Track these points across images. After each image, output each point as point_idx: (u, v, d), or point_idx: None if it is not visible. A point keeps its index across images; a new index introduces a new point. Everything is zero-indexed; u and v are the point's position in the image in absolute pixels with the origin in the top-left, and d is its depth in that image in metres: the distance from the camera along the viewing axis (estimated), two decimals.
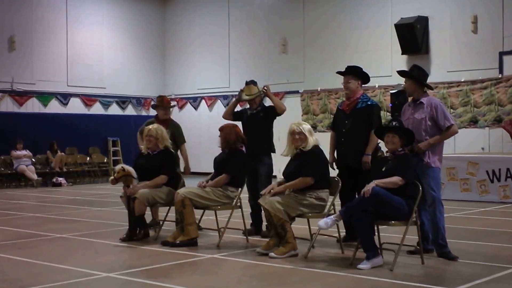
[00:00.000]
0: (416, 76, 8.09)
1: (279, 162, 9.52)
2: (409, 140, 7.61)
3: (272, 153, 9.90)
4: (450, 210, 11.23)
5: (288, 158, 8.45)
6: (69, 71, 23.82)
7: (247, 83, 9.96)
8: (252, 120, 9.85)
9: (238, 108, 10.19)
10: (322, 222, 7.29)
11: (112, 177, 9.48)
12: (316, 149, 8.17)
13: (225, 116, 10.17)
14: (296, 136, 8.14)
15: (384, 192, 7.14)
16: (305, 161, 8.04)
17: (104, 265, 7.61)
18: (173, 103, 10.54)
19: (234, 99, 10.11)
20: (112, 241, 9.22)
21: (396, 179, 7.30)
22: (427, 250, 7.90)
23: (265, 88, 9.74)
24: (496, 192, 14.21)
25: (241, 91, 9.95)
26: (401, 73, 8.28)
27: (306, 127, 8.19)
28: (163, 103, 10.68)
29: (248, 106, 10.16)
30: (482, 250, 8.55)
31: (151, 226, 9.77)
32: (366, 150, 8.66)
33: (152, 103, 22.26)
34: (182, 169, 10.66)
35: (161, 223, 9.79)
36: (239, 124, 9.72)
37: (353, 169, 8.67)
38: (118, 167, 9.46)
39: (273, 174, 9.79)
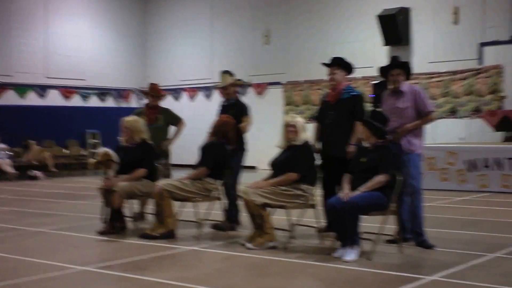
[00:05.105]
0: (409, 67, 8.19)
1: (261, 153, 9.49)
2: (381, 133, 7.59)
3: (244, 146, 9.81)
4: (429, 200, 11.27)
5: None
6: (48, 63, 23.66)
7: (221, 73, 9.95)
8: (222, 112, 9.81)
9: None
10: (349, 257, 7.15)
11: (93, 160, 9.50)
12: (306, 145, 8.19)
13: None
14: (289, 128, 8.14)
15: (361, 200, 7.16)
16: (293, 156, 8.03)
17: (81, 258, 7.56)
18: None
19: None
20: (89, 234, 9.14)
21: (380, 179, 7.32)
22: (405, 239, 7.93)
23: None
24: (474, 181, 14.34)
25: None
26: (401, 64, 8.22)
27: (300, 121, 8.21)
28: (151, 91, 10.91)
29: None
30: (460, 238, 8.64)
31: (135, 218, 9.73)
32: (350, 140, 8.65)
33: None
34: None
35: (140, 216, 9.79)
36: None
37: (338, 159, 8.64)
38: (102, 150, 9.45)
39: (254, 165, 9.76)
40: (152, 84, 11.14)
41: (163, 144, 10.64)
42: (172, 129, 11.00)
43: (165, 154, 10.63)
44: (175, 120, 11.00)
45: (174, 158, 11.12)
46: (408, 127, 7.93)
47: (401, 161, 7.74)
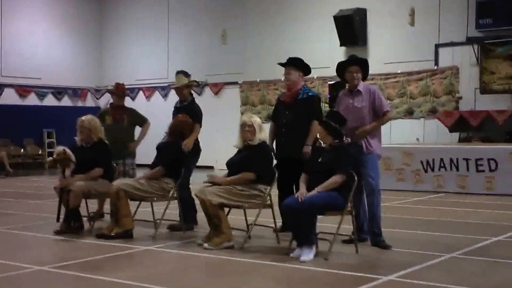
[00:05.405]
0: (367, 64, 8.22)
1: (218, 153, 9.46)
2: (337, 134, 7.59)
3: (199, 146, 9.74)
4: (385, 200, 11.31)
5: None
6: (3, 62, 23.39)
7: (176, 73, 9.89)
8: (178, 113, 9.71)
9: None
10: (305, 258, 7.14)
11: (51, 158, 9.41)
12: (263, 145, 8.18)
13: None
14: (246, 128, 8.12)
15: (317, 200, 7.16)
16: (250, 156, 8.03)
17: (36, 258, 7.46)
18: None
19: None
20: (46, 234, 9.04)
21: (336, 179, 7.32)
22: (362, 239, 7.99)
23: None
24: (430, 181, 14.49)
25: None
26: (361, 61, 8.25)
27: (257, 121, 8.18)
28: (117, 90, 10.88)
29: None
30: (416, 239, 8.70)
31: (94, 218, 9.64)
32: (306, 140, 8.68)
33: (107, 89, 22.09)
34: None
35: (99, 216, 9.72)
36: None
37: (293, 159, 8.67)
38: (59, 149, 9.34)
39: (211, 165, 9.73)
40: (118, 84, 11.08)
41: (131, 146, 10.61)
42: (137, 129, 10.98)
43: (131, 154, 10.61)
44: (141, 121, 10.96)
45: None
46: (367, 129, 7.96)
47: (358, 162, 7.78)
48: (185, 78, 9.77)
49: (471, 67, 18.14)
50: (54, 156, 9.24)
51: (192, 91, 10.05)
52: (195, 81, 10.16)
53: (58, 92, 25.03)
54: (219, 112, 22.21)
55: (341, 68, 8.20)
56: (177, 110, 9.72)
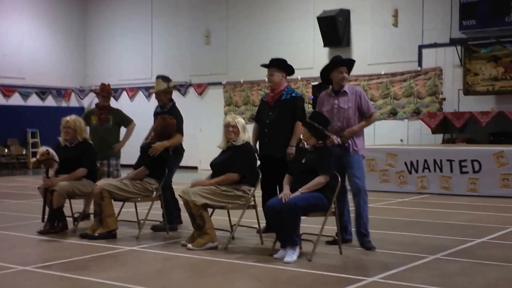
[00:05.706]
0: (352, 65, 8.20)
1: (201, 153, 9.45)
2: (321, 135, 7.58)
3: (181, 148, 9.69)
4: (369, 201, 11.31)
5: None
6: None
7: (156, 77, 9.82)
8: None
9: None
10: (289, 258, 7.14)
11: (34, 159, 9.38)
12: (247, 145, 8.19)
13: None
14: (230, 128, 8.12)
15: (300, 201, 7.17)
16: (234, 156, 8.03)
17: (20, 258, 7.45)
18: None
19: None
20: (30, 234, 9.02)
21: (319, 180, 7.34)
22: (346, 240, 8.00)
23: None
24: (414, 183, 14.54)
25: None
26: (349, 62, 8.24)
27: (241, 121, 8.20)
28: (102, 91, 10.84)
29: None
30: (400, 240, 8.71)
31: (78, 218, 9.61)
32: (290, 141, 8.69)
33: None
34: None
35: (84, 216, 9.72)
36: None
37: (276, 160, 8.68)
38: (42, 149, 9.30)
39: (195, 166, 9.71)
40: (103, 84, 11.05)
41: (116, 146, 10.58)
42: (122, 130, 10.97)
43: (115, 155, 10.60)
44: (126, 121, 10.96)
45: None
46: (355, 129, 7.98)
47: (342, 162, 7.80)
48: (163, 83, 9.63)
49: (455, 68, 18.22)
50: (38, 156, 9.20)
51: (177, 92, 10.02)
52: (175, 87, 10.03)
53: (42, 92, 24.93)
54: (203, 113, 22.21)
55: (329, 68, 8.17)
56: (156, 116, 9.62)
